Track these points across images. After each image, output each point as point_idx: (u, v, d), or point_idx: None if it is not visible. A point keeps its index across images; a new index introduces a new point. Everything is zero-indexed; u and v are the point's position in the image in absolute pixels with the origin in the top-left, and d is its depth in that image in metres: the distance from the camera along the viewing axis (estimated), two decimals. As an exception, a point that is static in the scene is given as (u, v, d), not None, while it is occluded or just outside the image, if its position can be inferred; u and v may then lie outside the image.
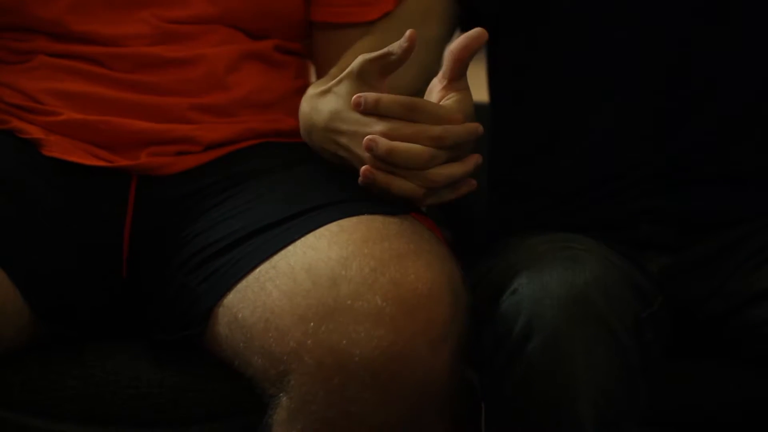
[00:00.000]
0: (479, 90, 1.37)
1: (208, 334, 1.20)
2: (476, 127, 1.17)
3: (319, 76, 1.44)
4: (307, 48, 1.47)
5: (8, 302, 1.20)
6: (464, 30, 1.43)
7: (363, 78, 1.19)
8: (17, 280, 1.20)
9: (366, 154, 1.15)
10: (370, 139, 1.14)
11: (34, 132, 1.33)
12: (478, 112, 1.18)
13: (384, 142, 1.14)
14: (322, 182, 1.27)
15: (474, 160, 1.18)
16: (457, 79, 1.19)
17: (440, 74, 1.20)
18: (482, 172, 1.24)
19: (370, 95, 1.15)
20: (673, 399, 1.27)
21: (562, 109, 1.39)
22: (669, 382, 1.25)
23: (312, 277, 1.12)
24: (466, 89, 1.20)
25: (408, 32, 1.16)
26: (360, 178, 1.17)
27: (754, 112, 1.37)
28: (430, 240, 1.18)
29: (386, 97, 1.15)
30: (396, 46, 1.17)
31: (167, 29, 1.37)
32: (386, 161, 1.14)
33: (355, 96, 1.16)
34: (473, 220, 1.53)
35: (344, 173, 1.27)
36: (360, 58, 1.19)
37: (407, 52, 1.17)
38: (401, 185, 1.16)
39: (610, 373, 1.11)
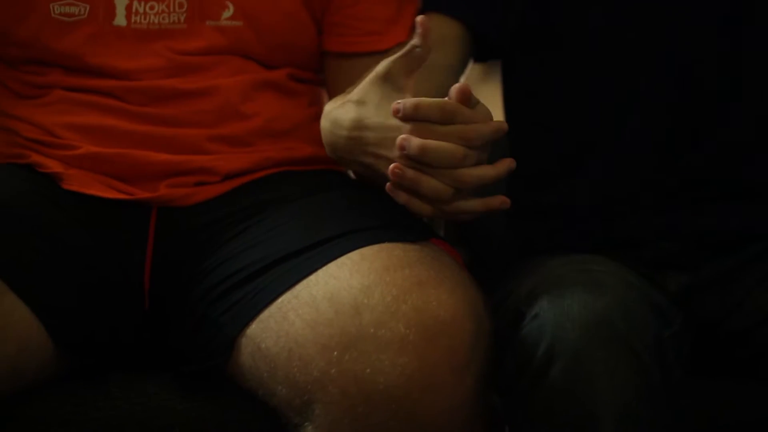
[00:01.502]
0: (495, 113, 1.37)
1: (231, 364, 1.20)
2: (501, 124, 1.15)
3: (334, 103, 1.45)
4: (321, 76, 1.48)
5: (32, 336, 1.20)
6: (477, 59, 1.45)
7: (390, 79, 1.18)
8: (40, 314, 1.21)
9: (395, 154, 1.12)
10: (403, 138, 1.11)
11: (53, 166, 1.34)
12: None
13: (417, 140, 1.11)
14: (341, 210, 1.27)
15: (507, 164, 1.16)
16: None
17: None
18: (501, 190, 1.24)
19: (409, 101, 1.12)
20: (694, 417, 1.27)
21: (578, 130, 1.40)
22: (690, 401, 1.25)
23: (334, 306, 1.12)
24: (483, 106, 1.20)
25: (418, 18, 1.14)
26: (389, 178, 1.14)
27: (768, 129, 1.38)
28: (452, 266, 1.18)
29: (425, 101, 1.12)
30: (415, 39, 1.16)
31: (180, 61, 1.38)
32: (418, 160, 1.11)
33: (394, 103, 1.13)
34: (491, 241, 1.54)
35: (362, 199, 1.27)
36: (385, 61, 1.18)
37: (424, 38, 1.15)
38: (430, 183, 1.12)
39: (633, 394, 1.12)
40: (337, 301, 1.13)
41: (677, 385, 1.18)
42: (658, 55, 1.36)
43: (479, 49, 1.44)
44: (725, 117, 1.36)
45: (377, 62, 1.39)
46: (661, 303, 1.23)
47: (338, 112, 1.23)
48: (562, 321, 1.13)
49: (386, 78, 1.18)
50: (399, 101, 1.13)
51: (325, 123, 1.27)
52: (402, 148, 1.11)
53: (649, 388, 1.13)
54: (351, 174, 1.44)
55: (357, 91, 1.21)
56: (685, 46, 1.36)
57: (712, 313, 1.32)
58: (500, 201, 1.17)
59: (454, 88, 1.13)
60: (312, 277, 1.17)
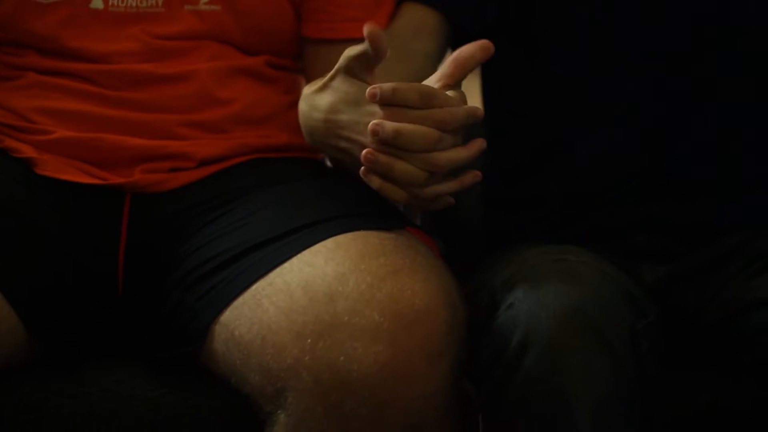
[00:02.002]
0: (473, 103, 1.37)
1: (204, 351, 1.20)
2: (476, 108, 1.14)
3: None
4: (298, 63, 1.47)
5: (3, 321, 1.19)
6: (455, 48, 1.45)
7: (351, 72, 1.17)
8: (12, 299, 1.20)
9: (368, 139, 1.12)
10: (375, 124, 1.10)
11: (27, 151, 1.33)
12: (473, 126, 1.17)
13: (390, 125, 1.10)
14: (317, 198, 1.27)
15: (478, 145, 1.14)
16: (454, 84, 1.18)
17: (437, 75, 1.17)
18: (476, 184, 1.23)
19: (386, 86, 1.11)
20: (669, 408, 1.27)
21: (557, 121, 1.40)
22: (666, 392, 1.25)
23: (309, 294, 1.12)
24: (461, 91, 1.19)
25: (366, 31, 1.13)
26: (362, 163, 1.13)
27: (751, 122, 1.37)
28: (427, 255, 1.18)
29: (402, 86, 1.11)
30: (366, 47, 1.15)
31: (157, 45, 1.37)
32: (392, 144, 1.11)
33: (369, 88, 1.11)
34: (467, 232, 1.53)
35: (338, 187, 1.26)
36: (344, 55, 1.17)
37: (376, 50, 1.14)
38: (404, 167, 1.11)
39: (607, 384, 1.11)
40: (311, 289, 1.12)
41: (652, 377, 1.18)
42: (635, 50, 1.36)
43: (457, 39, 1.43)
44: (701, 111, 1.36)
45: (356, 49, 1.39)
46: (637, 294, 1.23)
47: (316, 96, 1.22)
48: (536, 310, 1.12)
49: (347, 71, 1.18)
50: (375, 86, 1.12)
51: (303, 105, 1.26)
52: (375, 133, 1.10)
53: (623, 378, 1.12)
54: (327, 162, 1.44)
55: (330, 77, 1.20)
56: (662, 41, 1.36)
57: (690, 305, 1.32)
58: (472, 175, 1.16)
59: (451, 59, 1.13)
60: (286, 265, 1.16)
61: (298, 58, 1.46)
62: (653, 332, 1.21)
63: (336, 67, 1.19)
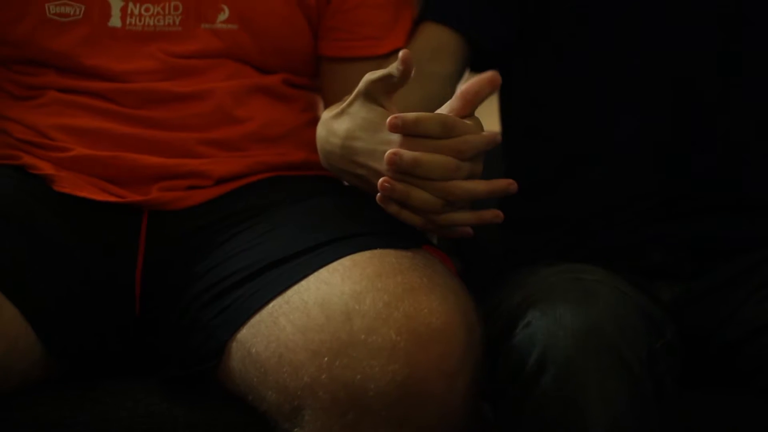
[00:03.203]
0: (491, 122, 1.37)
1: (221, 369, 1.20)
2: (494, 135, 1.15)
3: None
4: (315, 82, 1.47)
5: (20, 338, 1.19)
6: (473, 69, 1.45)
7: (371, 97, 1.18)
8: (30, 316, 1.20)
9: (384, 167, 1.12)
10: (393, 153, 1.11)
11: (45, 168, 1.34)
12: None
13: (408, 154, 1.11)
14: (334, 216, 1.27)
15: (502, 185, 1.15)
16: (466, 116, 1.18)
17: (446, 108, 1.17)
18: (493, 202, 1.24)
19: (409, 116, 1.12)
20: (686, 428, 1.26)
21: (573, 140, 1.40)
22: (682, 412, 1.25)
23: (325, 312, 1.12)
24: (476, 118, 1.20)
25: (401, 53, 1.14)
26: (378, 191, 1.14)
27: (765, 139, 1.37)
28: (444, 273, 1.18)
29: (424, 116, 1.12)
30: (394, 68, 1.16)
31: (174, 64, 1.38)
32: (410, 173, 1.12)
33: (390, 118, 1.12)
34: (484, 251, 1.53)
35: (355, 206, 1.26)
36: (365, 79, 1.18)
37: (404, 73, 1.15)
38: (421, 195, 1.12)
39: (623, 404, 1.11)
40: (328, 307, 1.12)
41: (669, 396, 1.18)
42: (655, 66, 1.36)
43: (475, 59, 1.44)
44: (720, 129, 1.36)
45: (374, 67, 1.38)
46: (654, 313, 1.23)
47: (334, 122, 1.23)
48: (554, 329, 1.12)
49: (366, 95, 1.18)
50: (397, 116, 1.12)
51: (321, 131, 1.26)
52: (392, 162, 1.12)
53: (640, 398, 1.12)
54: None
55: (348, 102, 1.21)
56: (682, 59, 1.36)
57: (705, 324, 1.32)
58: (493, 214, 1.17)
59: (458, 94, 1.13)
60: (303, 283, 1.16)
61: (316, 77, 1.47)
62: (670, 351, 1.20)
63: (356, 91, 1.19)
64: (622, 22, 1.37)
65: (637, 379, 1.12)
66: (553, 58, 1.40)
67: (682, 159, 1.36)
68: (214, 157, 1.36)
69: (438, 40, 1.41)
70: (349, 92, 1.32)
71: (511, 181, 1.15)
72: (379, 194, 1.15)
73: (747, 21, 1.36)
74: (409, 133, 1.12)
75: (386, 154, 1.12)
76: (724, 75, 1.36)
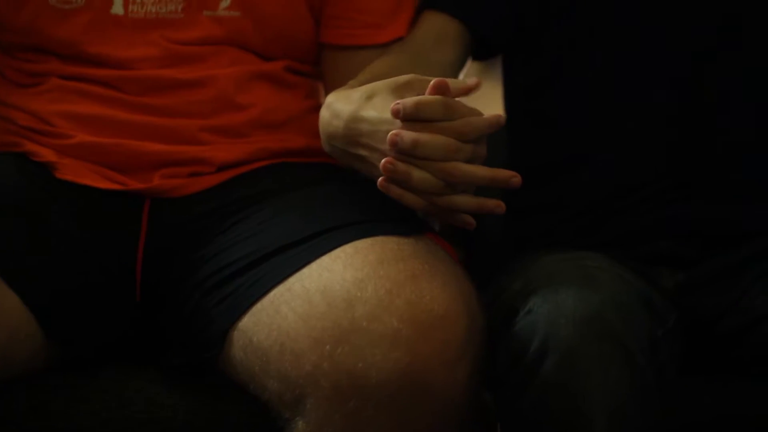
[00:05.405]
0: (494, 109, 1.37)
1: (222, 357, 1.20)
2: (498, 117, 1.15)
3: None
4: (317, 69, 1.47)
5: (21, 326, 1.20)
6: (476, 57, 1.45)
7: (401, 91, 1.18)
8: (30, 304, 1.20)
9: (386, 147, 1.13)
10: (394, 134, 1.12)
11: (47, 155, 1.34)
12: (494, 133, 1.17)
13: (409, 134, 1.11)
14: (336, 203, 1.27)
15: (506, 175, 1.15)
16: None
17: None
18: (496, 190, 1.23)
19: (408, 100, 1.12)
20: (687, 416, 1.26)
21: (577, 128, 1.40)
22: (683, 399, 1.25)
23: (327, 299, 1.12)
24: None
25: (472, 81, 1.16)
26: (381, 171, 1.14)
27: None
28: (445, 260, 1.18)
29: (425, 99, 1.13)
30: (459, 89, 1.18)
31: (176, 51, 1.37)
32: (411, 154, 1.12)
33: (393, 104, 1.13)
34: (487, 238, 1.53)
35: (357, 193, 1.26)
36: (414, 76, 1.18)
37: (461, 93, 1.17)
38: (422, 176, 1.13)
39: (625, 391, 1.11)
40: (330, 294, 1.12)
41: (670, 383, 1.18)
42: (659, 53, 1.36)
43: (478, 48, 1.43)
44: (728, 113, 1.36)
45: (375, 55, 1.39)
46: (656, 300, 1.23)
47: (340, 104, 1.23)
48: (555, 316, 1.12)
49: (403, 88, 1.18)
50: (398, 102, 1.13)
51: (325, 113, 1.26)
52: (394, 143, 1.12)
53: (641, 385, 1.12)
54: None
55: (366, 88, 1.20)
56: (686, 44, 1.36)
57: (708, 312, 1.32)
58: (495, 204, 1.17)
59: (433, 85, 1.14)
60: (305, 270, 1.16)
61: (318, 64, 1.46)
62: (672, 339, 1.20)
63: (393, 80, 1.18)
64: (630, 9, 1.37)
65: (638, 366, 1.12)
66: (555, 46, 1.40)
67: (688, 145, 1.36)
68: (216, 143, 1.36)
69: (440, 29, 1.41)
70: (350, 79, 1.32)
71: (514, 173, 1.15)
72: (380, 179, 1.15)
73: (749, 19, 1.35)
74: (410, 118, 1.12)
75: (388, 135, 1.12)
76: (733, 61, 1.36)
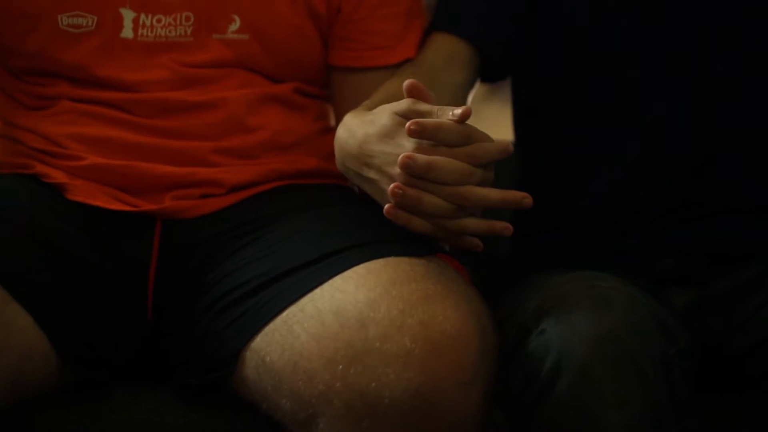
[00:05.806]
0: (500, 132, 1.38)
1: (235, 377, 1.20)
2: (507, 144, 1.16)
3: (338, 118, 1.43)
4: (327, 91, 1.47)
5: (35, 347, 1.20)
6: (484, 79, 1.46)
7: (401, 120, 1.17)
8: (44, 325, 1.20)
9: (397, 171, 1.13)
10: (407, 156, 1.12)
11: (58, 176, 1.34)
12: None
13: (422, 158, 1.12)
14: (347, 224, 1.27)
15: (517, 197, 1.15)
16: None
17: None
18: (506, 211, 1.24)
19: (429, 122, 1.12)
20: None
21: (585, 149, 1.40)
22: (695, 418, 1.25)
23: (340, 320, 1.12)
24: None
25: (462, 110, 1.14)
26: (389, 197, 1.14)
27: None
28: (458, 281, 1.18)
29: (446, 124, 1.13)
30: (454, 117, 1.15)
31: (186, 74, 1.38)
32: (423, 177, 1.12)
33: (410, 123, 1.12)
34: (497, 259, 1.53)
35: (368, 214, 1.27)
36: (410, 102, 1.17)
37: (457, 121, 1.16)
38: (432, 200, 1.13)
39: (638, 410, 1.12)
40: (342, 315, 1.12)
41: (683, 403, 1.18)
42: (663, 77, 1.37)
43: (486, 70, 1.44)
44: (728, 136, 1.37)
45: (385, 76, 1.40)
46: (668, 320, 1.23)
47: (355, 124, 1.23)
48: (569, 336, 1.12)
49: (399, 115, 1.17)
50: (416, 121, 1.13)
51: (341, 132, 1.26)
52: (406, 166, 1.12)
53: (654, 405, 1.13)
54: (356, 189, 1.44)
55: (377, 111, 1.21)
56: (688, 69, 1.36)
57: (718, 330, 1.32)
58: (503, 226, 1.17)
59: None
60: (317, 291, 1.17)
61: (327, 86, 1.47)
62: (684, 358, 1.20)
63: (394, 106, 1.18)
64: (634, 32, 1.37)
65: (651, 385, 1.13)
66: (564, 68, 1.41)
67: (693, 165, 1.36)
68: (227, 165, 1.36)
69: (449, 50, 1.41)
70: (360, 102, 1.33)
71: (526, 194, 1.16)
72: (387, 206, 1.16)
73: (749, 39, 1.36)
74: (429, 138, 1.13)
75: (400, 157, 1.12)
76: (739, 86, 1.36)
